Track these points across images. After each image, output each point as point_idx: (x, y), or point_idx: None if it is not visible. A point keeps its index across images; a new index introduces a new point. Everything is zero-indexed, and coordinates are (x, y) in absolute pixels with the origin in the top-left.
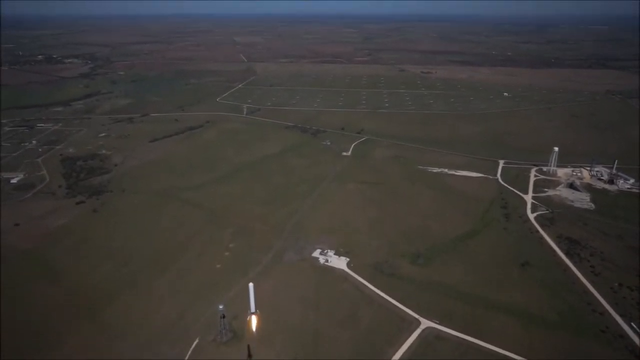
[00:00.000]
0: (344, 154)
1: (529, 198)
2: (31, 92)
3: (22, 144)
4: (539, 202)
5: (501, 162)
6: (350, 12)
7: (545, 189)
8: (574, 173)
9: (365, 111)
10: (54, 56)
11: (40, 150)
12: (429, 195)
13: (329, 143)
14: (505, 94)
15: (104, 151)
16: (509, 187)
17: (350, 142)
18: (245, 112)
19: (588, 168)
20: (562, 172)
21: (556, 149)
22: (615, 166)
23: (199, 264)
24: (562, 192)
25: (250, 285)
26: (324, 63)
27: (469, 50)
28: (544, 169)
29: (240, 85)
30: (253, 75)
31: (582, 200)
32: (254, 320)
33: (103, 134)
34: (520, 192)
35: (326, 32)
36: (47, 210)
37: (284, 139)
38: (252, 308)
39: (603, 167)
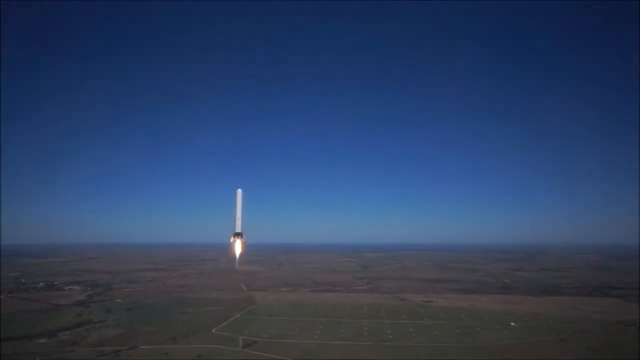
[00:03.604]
0: None
1: None
2: (19, 321)
3: None
4: None
5: None
6: (348, 241)
7: None
8: None
9: (367, 344)
10: (55, 283)
11: None
12: None
13: None
14: (512, 323)
15: None
16: None
17: None
18: (241, 345)
19: None
20: None
21: None
22: None
23: None
24: None
25: (239, 191)
26: (324, 292)
27: (465, 278)
28: None
29: (238, 315)
30: (252, 305)
31: None
32: (237, 245)
33: None
34: None
35: (325, 261)
36: None
37: None
38: (238, 227)
39: None
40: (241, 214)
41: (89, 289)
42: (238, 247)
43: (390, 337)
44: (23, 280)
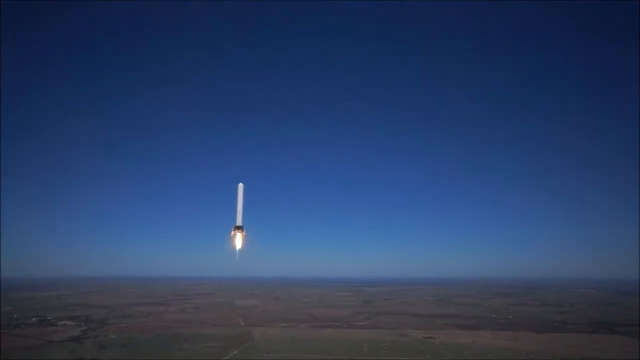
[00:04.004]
0: None
1: None
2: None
3: None
4: None
5: None
6: (348, 275)
7: None
8: None
9: None
10: (48, 318)
11: None
12: None
13: None
14: None
15: None
16: None
17: None
18: None
19: None
20: None
21: None
22: None
23: None
24: None
25: (240, 186)
26: (323, 327)
27: (467, 314)
28: None
29: (236, 352)
30: (250, 341)
31: None
32: (238, 238)
33: None
34: None
35: (324, 295)
36: None
37: None
38: (239, 221)
39: None
40: (242, 207)
41: (82, 324)
42: (238, 240)
43: None
44: (15, 316)
